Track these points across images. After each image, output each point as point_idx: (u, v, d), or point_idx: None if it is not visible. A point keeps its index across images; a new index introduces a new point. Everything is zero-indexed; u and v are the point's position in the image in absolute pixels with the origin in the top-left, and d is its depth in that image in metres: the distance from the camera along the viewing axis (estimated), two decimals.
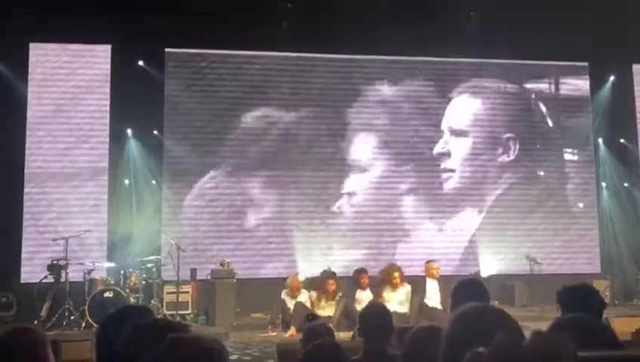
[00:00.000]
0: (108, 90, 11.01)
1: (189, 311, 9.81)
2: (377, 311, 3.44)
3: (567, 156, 12.49)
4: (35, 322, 8.57)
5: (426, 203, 11.79)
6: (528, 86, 12.38)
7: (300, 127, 11.62)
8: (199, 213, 11.18)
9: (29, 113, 10.82)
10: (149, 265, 9.80)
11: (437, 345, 1.59)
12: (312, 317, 7.36)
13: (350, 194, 11.61)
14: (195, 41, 10.86)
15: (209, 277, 9.86)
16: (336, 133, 11.70)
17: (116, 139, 11.00)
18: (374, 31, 10.66)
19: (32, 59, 10.91)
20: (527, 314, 9.33)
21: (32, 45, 10.90)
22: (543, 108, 12.40)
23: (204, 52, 11.40)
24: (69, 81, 11.00)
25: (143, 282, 9.62)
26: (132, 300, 9.17)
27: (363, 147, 11.73)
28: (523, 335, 1.29)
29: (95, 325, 8.34)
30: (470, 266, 11.35)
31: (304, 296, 8.86)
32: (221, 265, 9.86)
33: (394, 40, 10.92)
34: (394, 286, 8.76)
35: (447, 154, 11.95)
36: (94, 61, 11.12)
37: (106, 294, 9.05)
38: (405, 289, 8.79)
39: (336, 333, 4.71)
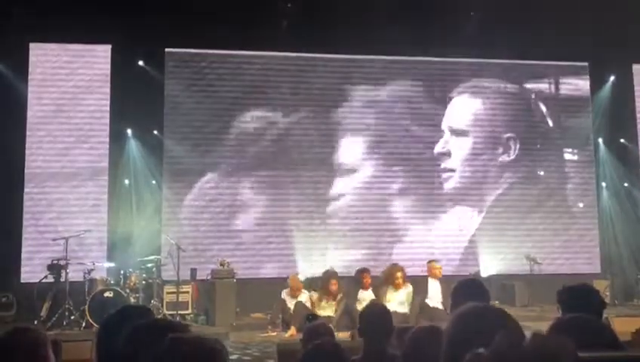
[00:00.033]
0: (108, 90, 11.01)
1: (189, 311, 9.81)
2: (377, 311, 3.44)
3: (567, 156, 12.50)
4: (35, 322, 8.57)
5: (426, 203, 11.79)
6: (528, 86, 12.38)
7: (300, 127, 11.62)
8: (199, 213, 11.19)
9: (29, 113, 10.82)
10: (149, 265, 9.80)
11: (437, 345, 1.59)
12: (312, 317, 7.36)
13: (350, 194, 11.61)
14: (195, 41, 10.86)
15: (209, 277, 9.86)
16: (337, 133, 11.70)
17: (116, 139, 11.00)
18: (374, 31, 10.66)
19: (32, 59, 10.92)
20: (528, 314, 9.32)
21: (32, 45, 10.91)
22: (543, 108, 12.41)
23: (204, 52, 11.40)
24: (69, 81, 11.00)
25: (143, 282, 9.62)
26: (132, 300, 9.16)
27: (363, 147, 11.72)
28: (523, 335, 1.29)
29: (95, 325, 8.34)
30: (470, 266, 11.36)
31: (304, 296, 8.85)
32: (221, 265, 9.86)
33: (394, 40, 10.92)
34: (396, 287, 8.75)
35: (448, 154, 11.95)
36: (94, 61, 11.13)
37: (106, 294, 9.05)
38: (407, 290, 8.78)
39: (336, 333, 4.71)
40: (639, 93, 12.58)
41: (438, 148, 11.92)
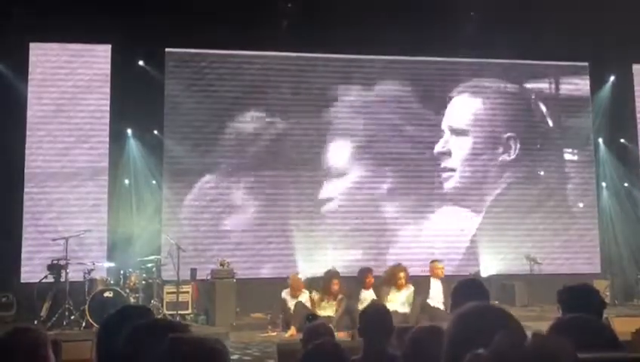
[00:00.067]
0: (108, 90, 11.01)
1: (189, 311, 9.81)
2: (377, 311, 3.44)
3: (567, 156, 12.50)
4: (35, 322, 8.57)
5: (425, 202, 11.79)
6: (528, 86, 12.38)
7: (300, 126, 11.62)
8: (199, 213, 11.19)
9: (29, 113, 10.82)
10: (149, 265, 9.80)
11: (437, 345, 1.59)
12: (312, 317, 7.36)
13: (350, 194, 11.61)
14: (195, 41, 10.86)
15: (209, 277, 9.86)
16: (336, 133, 11.69)
17: (116, 139, 11.00)
18: (374, 31, 10.66)
19: (32, 59, 10.92)
20: (528, 314, 9.32)
21: (32, 45, 10.90)
22: (543, 108, 12.41)
23: (204, 52, 11.40)
24: (69, 80, 11.00)
25: (143, 282, 9.62)
26: (132, 300, 9.17)
27: (363, 147, 11.72)
28: (524, 335, 1.29)
29: (95, 325, 8.35)
30: (470, 266, 11.35)
31: (305, 296, 8.84)
32: (221, 265, 9.86)
33: (394, 40, 10.93)
34: (399, 287, 8.75)
35: (448, 154, 11.95)
36: (94, 61, 11.12)
37: (106, 294, 9.05)
38: (409, 290, 8.78)
39: (336, 333, 4.71)
40: (639, 93, 12.57)
41: (438, 148, 11.92)
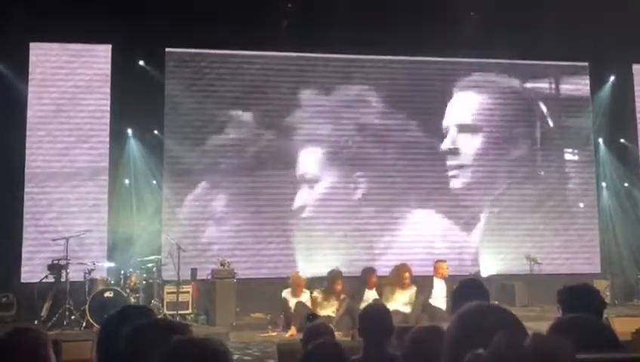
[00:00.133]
0: (108, 90, 11.01)
1: (190, 310, 9.81)
2: (377, 311, 3.44)
3: (567, 156, 12.50)
4: (36, 322, 8.57)
5: (426, 203, 11.79)
6: (528, 86, 12.38)
7: (300, 126, 11.62)
8: (199, 213, 11.19)
9: (29, 113, 10.82)
10: (150, 265, 9.80)
11: (437, 345, 1.60)
12: (313, 316, 7.36)
13: (351, 194, 11.61)
14: (195, 41, 10.86)
15: (209, 277, 9.86)
16: (336, 133, 11.70)
17: (116, 139, 11.00)
18: (374, 31, 10.67)
19: (32, 59, 10.92)
20: (528, 314, 9.31)
21: (32, 45, 10.91)
22: (543, 108, 12.41)
23: (204, 52, 11.40)
24: (69, 80, 11.00)
25: (144, 282, 9.62)
26: (132, 300, 9.17)
27: (362, 146, 11.72)
28: (525, 335, 1.29)
29: (95, 325, 8.35)
30: (470, 266, 11.35)
31: (305, 296, 8.84)
32: (221, 265, 9.86)
33: (394, 40, 10.94)
34: (403, 287, 8.76)
35: (449, 154, 11.96)
36: (94, 61, 11.13)
37: (107, 294, 9.05)
38: (411, 291, 8.78)
39: (336, 333, 4.71)
40: (639, 93, 12.58)
41: (440, 147, 11.92)
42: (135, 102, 10.63)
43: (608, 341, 2.00)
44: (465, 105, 12.12)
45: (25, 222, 10.56)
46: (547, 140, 12.39)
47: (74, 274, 9.30)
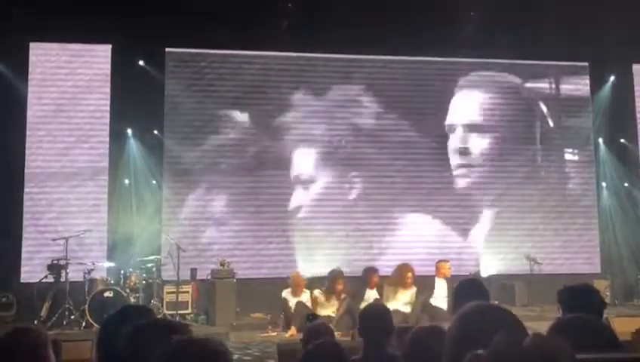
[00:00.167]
0: (108, 90, 11.01)
1: (189, 310, 9.81)
2: (377, 311, 3.44)
3: (567, 156, 12.50)
4: (35, 322, 8.57)
5: (426, 203, 11.79)
6: (528, 86, 12.38)
7: (300, 126, 11.62)
8: (199, 213, 11.19)
9: (29, 113, 10.83)
10: (149, 265, 9.81)
11: (437, 345, 1.60)
12: (313, 316, 7.36)
13: (350, 194, 11.61)
14: (195, 41, 10.86)
15: (209, 277, 9.86)
16: (336, 133, 11.69)
17: (116, 138, 11.00)
18: (374, 31, 10.67)
19: (32, 59, 10.92)
20: (527, 313, 9.32)
21: (32, 45, 10.91)
22: (543, 108, 12.41)
23: (204, 52, 11.40)
24: (69, 80, 11.00)
25: (143, 282, 9.62)
26: (132, 300, 9.17)
27: (363, 146, 11.72)
28: (525, 335, 1.29)
29: (95, 325, 8.35)
30: (470, 266, 11.35)
31: (306, 296, 8.83)
32: (221, 265, 9.86)
33: (394, 40, 10.94)
34: (405, 286, 8.75)
35: (450, 154, 11.96)
36: (94, 61, 11.13)
37: (106, 294, 9.05)
38: (412, 290, 8.79)
39: (336, 333, 4.71)
40: (639, 93, 12.58)
41: (440, 147, 11.92)
42: (135, 102, 10.63)
43: (608, 341, 2.00)
44: (465, 105, 12.12)
45: (25, 222, 10.56)
46: (547, 140, 12.39)
47: (74, 274, 9.30)
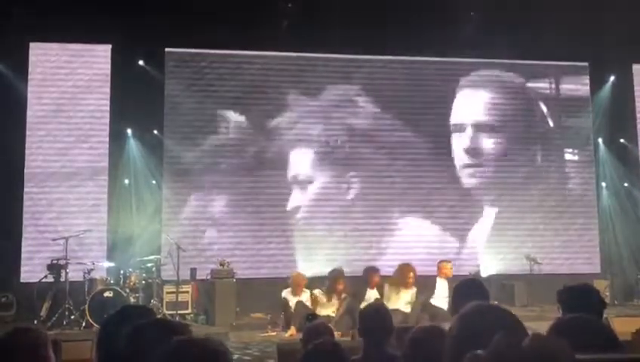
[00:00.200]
0: (108, 90, 11.01)
1: (189, 310, 9.81)
2: (377, 311, 3.44)
3: (567, 156, 12.50)
4: (35, 322, 8.58)
5: (425, 203, 11.79)
6: (528, 86, 12.38)
7: (300, 126, 11.62)
8: (199, 213, 11.19)
9: (29, 113, 10.83)
10: (149, 265, 9.80)
11: (437, 345, 1.60)
12: (312, 316, 7.36)
13: (350, 193, 11.61)
14: (195, 41, 10.86)
15: (209, 277, 9.86)
16: (335, 133, 11.69)
17: (116, 138, 11.00)
18: (374, 31, 10.67)
19: (32, 59, 10.92)
20: (527, 313, 9.31)
21: (32, 45, 10.91)
22: (544, 108, 12.41)
23: (204, 52, 11.40)
24: (69, 80, 11.00)
25: (143, 282, 9.62)
26: (132, 300, 9.17)
27: (363, 146, 11.72)
28: (524, 336, 1.29)
29: (95, 325, 8.35)
30: (470, 266, 11.35)
31: (306, 296, 8.83)
32: (221, 265, 9.86)
33: (394, 40, 10.95)
34: (406, 286, 8.75)
35: (449, 154, 11.95)
36: (94, 61, 11.13)
37: (106, 294, 9.05)
38: (413, 290, 8.79)
39: (335, 333, 4.71)
40: (639, 93, 12.58)
41: (440, 147, 11.91)
42: (135, 102, 10.63)
43: (608, 341, 2.00)
44: (465, 105, 12.12)
45: (25, 222, 10.56)
46: (547, 140, 12.39)
47: (73, 273, 9.30)
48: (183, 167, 11.22)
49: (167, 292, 9.80)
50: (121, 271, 9.59)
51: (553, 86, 12.52)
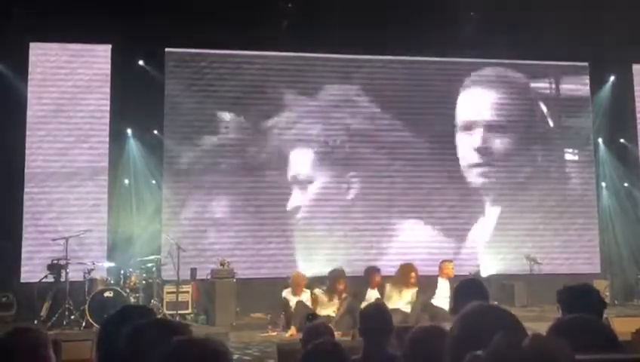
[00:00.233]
0: (108, 90, 11.01)
1: (189, 310, 9.81)
2: (377, 311, 3.44)
3: (567, 156, 12.50)
4: (35, 322, 8.58)
5: (425, 203, 11.78)
6: (528, 86, 12.38)
7: (300, 126, 11.61)
8: (199, 213, 11.19)
9: (29, 113, 10.83)
10: (149, 265, 9.81)
11: (437, 345, 1.60)
12: (312, 316, 7.36)
13: (350, 193, 11.61)
14: (195, 41, 10.86)
15: (209, 277, 9.86)
16: (335, 133, 11.69)
17: (116, 138, 11.00)
18: (374, 31, 10.67)
19: (32, 59, 10.92)
20: (527, 314, 9.31)
21: (32, 45, 10.91)
22: (544, 108, 12.41)
23: (204, 52, 11.40)
24: (69, 80, 11.00)
25: (143, 282, 9.62)
26: (132, 300, 9.18)
27: (361, 146, 11.72)
28: (524, 336, 1.29)
29: (95, 325, 8.35)
30: (470, 266, 11.34)
31: (306, 295, 8.83)
32: (221, 264, 9.86)
33: (394, 40, 10.94)
34: (408, 286, 8.75)
35: (449, 154, 11.95)
36: (94, 61, 11.13)
37: (106, 294, 9.05)
38: (414, 290, 8.79)
39: (335, 333, 4.71)
40: (639, 93, 12.58)
41: (439, 147, 11.91)
42: (135, 102, 10.63)
43: (608, 341, 2.00)
44: (465, 105, 12.11)
45: (25, 222, 10.56)
46: (547, 140, 12.39)
47: (74, 273, 9.30)
48: (183, 167, 11.22)
49: (168, 292, 9.80)
50: (122, 271, 9.59)
51: (553, 86, 12.52)
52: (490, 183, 12.04)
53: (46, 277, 9.20)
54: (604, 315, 3.26)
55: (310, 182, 11.53)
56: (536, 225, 11.94)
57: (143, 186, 11.04)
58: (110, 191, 10.87)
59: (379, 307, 3.61)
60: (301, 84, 11.65)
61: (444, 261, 9.35)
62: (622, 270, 11.80)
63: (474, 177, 12.00)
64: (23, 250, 10.46)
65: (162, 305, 9.66)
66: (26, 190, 10.64)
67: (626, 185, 12.30)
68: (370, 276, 8.92)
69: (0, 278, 10.01)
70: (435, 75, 12.08)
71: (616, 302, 10.91)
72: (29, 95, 10.82)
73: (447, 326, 1.52)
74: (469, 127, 12.08)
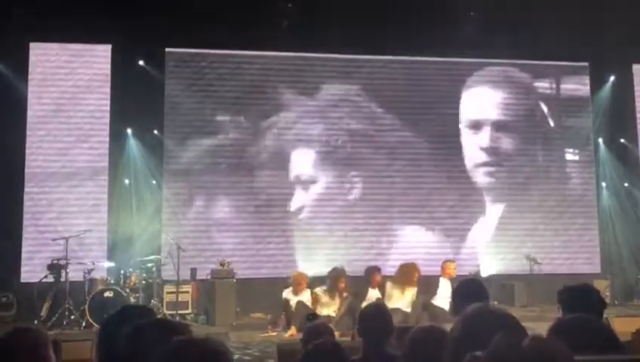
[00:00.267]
0: (108, 89, 11.01)
1: (189, 310, 9.82)
2: (377, 311, 3.44)
3: (568, 156, 12.51)
4: (35, 322, 8.58)
5: (426, 203, 11.78)
6: (528, 86, 12.38)
7: (300, 126, 11.62)
8: (199, 213, 11.19)
9: (29, 113, 10.83)
10: (149, 265, 9.81)
11: (437, 345, 1.60)
12: (313, 316, 7.36)
13: (350, 193, 11.61)
14: (195, 41, 10.86)
15: (209, 277, 9.86)
16: (335, 133, 11.69)
17: (116, 138, 11.00)
18: (374, 31, 10.67)
19: (32, 58, 10.92)
20: (527, 314, 9.32)
21: (32, 45, 10.91)
22: (544, 108, 12.41)
23: (204, 52, 11.40)
24: (69, 80, 11.00)
25: (143, 282, 9.62)
26: (132, 300, 9.18)
27: (362, 146, 11.72)
28: (523, 337, 1.29)
29: (95, 325, 8.35)
30: (470, 266, 11.34)
31: (306, 295, 8.83)
32: (221, 264, 9.86)
33: (394, 40, 10.94)
34: (410, 286, 8.75)
35: (449, 154, 11.95)
36: (94, 61, 11.13)
37: (106, 294, 9.05)
38: (414, 290, 8.79)
39: (335, 333, 4.71)
40: (639, 93, 12.58)
41: (439, 147, 11.91)
42: (135, 102, 10.63)
43: (608, 341, 2.00)
44: (469, 104, 12.11)
45: (25, 222, 10.56)
46: (547, 140, 12.39)
47: (74, 273, 9.30)
48: (183, 167, 11.22)
49: (168, 292, 9.80)
50: (122, 271, 9.59)
51: (553, 86, 12.52)
52: (494, 183, 12.03)
53: (46, 277, 9.20)
54: (605, 315, 3.26)
55: (313, 182, 11.53)
56: (536, 225, 11.94)
57: (143, 186, 11.04)
58: (110, 191, 10.87)
59: (379, 307, 3.61)
60: (301, 84, 11.65)
61: (446, 261, 9.35)
62: (622, 270, 11.80)
63: (480, 176, 11.98)
64: (23, 250, 10.47)
65: (162, 305, 9.66)
66: (26, 190, 10.64)
67: (626, 185, 12.31)
68: (371, 275, 8.91)
69: (0, 278, 10.01)
70: (435, 75, 12.08)
71: (616, 302, 10.91)
72: (29, 95, 10.82)
73: (448, 326, 1.52)
74: (475, 126, 12.06)
